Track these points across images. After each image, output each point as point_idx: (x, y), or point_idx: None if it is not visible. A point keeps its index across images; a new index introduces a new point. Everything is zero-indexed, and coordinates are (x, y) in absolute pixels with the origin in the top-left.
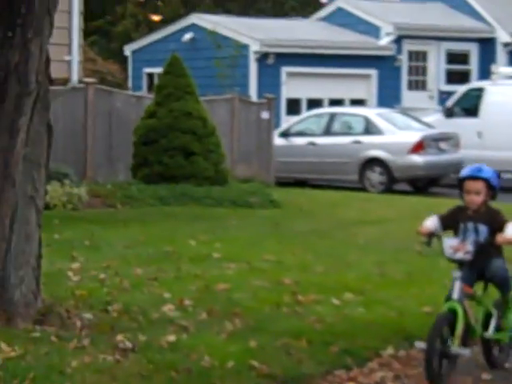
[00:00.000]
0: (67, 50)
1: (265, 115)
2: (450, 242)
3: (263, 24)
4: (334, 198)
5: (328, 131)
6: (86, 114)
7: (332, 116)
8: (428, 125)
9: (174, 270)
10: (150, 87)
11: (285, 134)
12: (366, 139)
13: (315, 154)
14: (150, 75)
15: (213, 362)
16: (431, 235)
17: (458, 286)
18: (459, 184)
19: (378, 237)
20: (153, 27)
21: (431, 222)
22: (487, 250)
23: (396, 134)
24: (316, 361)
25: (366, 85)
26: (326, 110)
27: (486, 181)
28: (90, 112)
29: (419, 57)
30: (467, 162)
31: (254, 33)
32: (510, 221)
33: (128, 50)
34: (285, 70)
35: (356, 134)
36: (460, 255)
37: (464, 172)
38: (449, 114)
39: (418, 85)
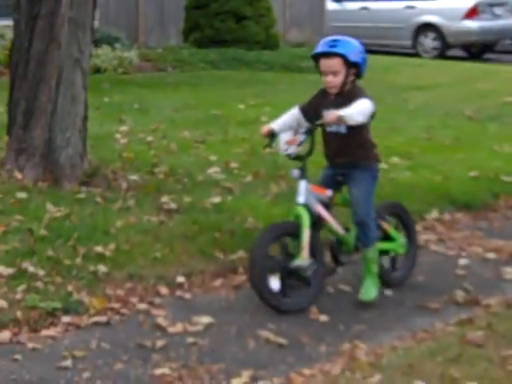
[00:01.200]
0: None
1: None
2: (284, 137)
3: None
4: (386, 63)
5: None
6: None
7: None
8: None
9: (222, 133)
10: None
11: None
12: (420, 4)
13: (368, 19)
14: None
15: (256, 224)
16: (272, 135)
17: (300, 186)
18: (315, 62)
19: (428, 102)
20: None
21: (286, 117)
22: (349, 146)
23: None
24: None
25: None
26: None
27: (343, 57)
28: None
29: None
30: None
31: None
32: (364, 98)
33: None
34: None
35: None
36: (292, 149)
37: (317, 47)
38: None
39: None
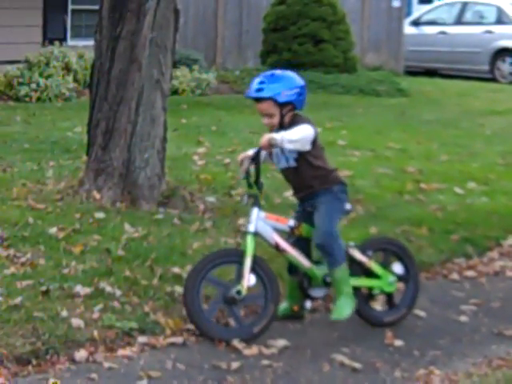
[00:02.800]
0: None
1: (396, 3)
2: (245, 164)
3: None
4: (463, 87)
5: (459, 20)
6: (217, 0)
7: (464, 5)
8: None
9: None
10: None
11: (416, 23)
12: (498, 29)
13: (446, 44)
14: None
15: None
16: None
17: (251, 214)
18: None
19: (505, 127)
20: None
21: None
22: (305, 179)
23: None
24: (436, 248)
25: None
26: None
27: (272, 99)
28: None
29: None
30: None
31: None
32: (305, 124)
33: None
34: None
35: (488, 24)
36: (242, 176)
37: (248, 91)
38: None
39: None
